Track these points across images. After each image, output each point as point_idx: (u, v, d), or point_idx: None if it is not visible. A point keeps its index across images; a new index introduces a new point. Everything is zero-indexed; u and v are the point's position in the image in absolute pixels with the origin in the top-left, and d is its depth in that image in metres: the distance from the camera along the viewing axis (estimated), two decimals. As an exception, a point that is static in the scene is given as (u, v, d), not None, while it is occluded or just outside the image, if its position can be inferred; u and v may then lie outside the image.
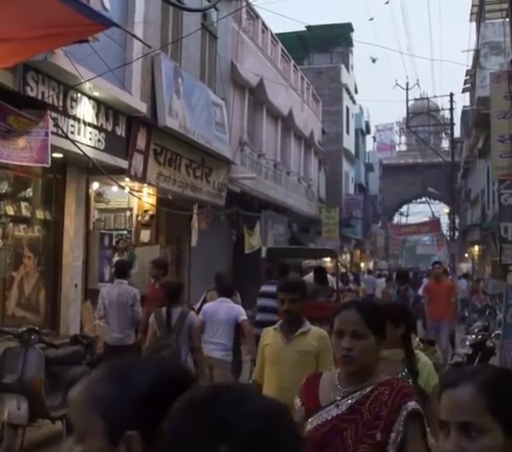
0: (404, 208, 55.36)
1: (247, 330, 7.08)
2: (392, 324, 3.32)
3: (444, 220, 45.44)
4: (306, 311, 8.74)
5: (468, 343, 8.70)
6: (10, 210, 8.65)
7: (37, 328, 6.71)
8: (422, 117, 40.99)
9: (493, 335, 9.04)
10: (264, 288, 8.71)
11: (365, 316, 2.35)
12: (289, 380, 3.64)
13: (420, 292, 13.94)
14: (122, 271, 7.97)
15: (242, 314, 7.06)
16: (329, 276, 12.66)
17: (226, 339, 6.93)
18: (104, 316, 7.75)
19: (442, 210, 48.80)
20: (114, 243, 11.09)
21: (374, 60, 28.17)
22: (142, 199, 11.48)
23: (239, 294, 8.72)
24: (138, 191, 11.43)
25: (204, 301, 8.20)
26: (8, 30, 5.10)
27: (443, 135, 51.17)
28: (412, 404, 2.26)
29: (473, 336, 8.83)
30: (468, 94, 31.73)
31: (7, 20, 4.87)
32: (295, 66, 24.02)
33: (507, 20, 13.05)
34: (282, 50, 22.02)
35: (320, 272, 12.16)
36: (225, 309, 6.98)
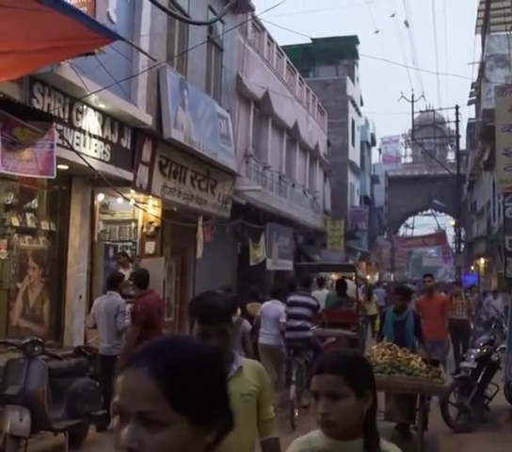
0: (409, 220, 55.32)
1: (282, 328, 9.14)
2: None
3: (450, 233, 45.30)
4: (330, 317, 9.97)
5: (473, 356, 8.64)
6: (16, 221, 8.68)
7: (40, 339, 6.71)
8: (427, 129, 41.06)
9: (498, 349, 8.99)
10: (293, 298, 9.54)
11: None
12: (244, 439, 2.58)
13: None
14: (113, 283, 8.25)
15: (282, 316, 9.13)
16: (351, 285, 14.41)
17: (276, 330, 9.13)
18: (95, 326, 8.08)
19: (448, 222, 48.69)
20: (116, 256, 11.11)
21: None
22: (147, 210, 11.50)
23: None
24: (143, 203, 11.45)
25: (244, 311, 9.43)
26: (14, 43, 5.14)
27: (449, 147, 51.24)
28: None
29: (478, 350, 8.77)
30: (473, 106, 31.77)
31: (13, 33, 4.91)
32: (300, 78, 24.11)
33: (512, 33, 13.09)
34: (288, 62, 22.11)
35: (342, 285, 13.56)
36: (273, 309, 9.29)
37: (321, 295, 13.16)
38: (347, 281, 14.35)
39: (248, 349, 8.62)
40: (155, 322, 7.49)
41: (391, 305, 9.09)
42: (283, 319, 9.06)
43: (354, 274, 15.53)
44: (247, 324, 8.75)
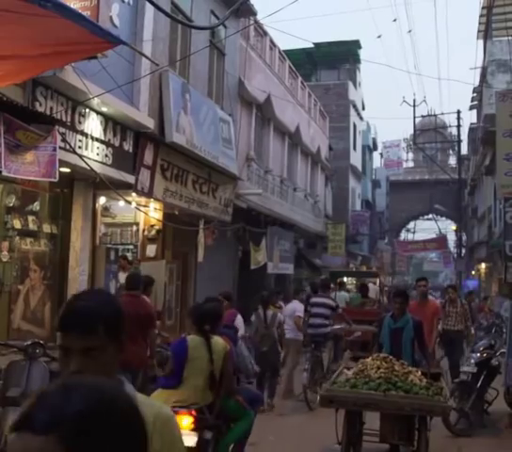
0: (411, 225, 55.34)
1: (297, 324, 10.45)
2: None
3: (451, 237, 45.38)
4: (355, 315, 10.79)
5: (473, 361, 8.65)
6: (17, 224, 8.70)
7: (42, 341, 6.72)
8: (429, 133, 41.10)
9: (498, 354, 9.00)
10: (315, 300, 11.22)
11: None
12: None
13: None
14: (135, 284, 7.97)
15: (298, 311, 10.62)
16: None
17: (292, 325, 10.40)
18: None
19: (449, 227, 48.77)
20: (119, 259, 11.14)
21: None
22: (149, 214, 11.53)
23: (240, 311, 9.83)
24: (145, 206, 11.48)
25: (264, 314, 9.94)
26: (19, 47, 5.18)
27: (450, 151, 51.28)
28: None
29: (478, 354, 8.78)
30: (475, 111, 31.83)
31: (16, 37, 4.95)
32: (302, 82, 24.16)
33: (514, 38, 13.13)
34: (290, 67, 22.17)
35: (364, 288, 16.42)
36: (290, 307, 10.97)
37: (340, 296, 15.33)
38: (370, 284, 17.37)
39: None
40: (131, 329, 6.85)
41: (390, 311, 8.81)
42: (299, 313, 10.59)
43: (378, 279, 18.49)
44: (280, 316, 10.02)
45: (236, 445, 5.55)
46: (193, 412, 5.04)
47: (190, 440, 4.87)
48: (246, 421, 5.62)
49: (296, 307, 10.86)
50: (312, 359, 10.15)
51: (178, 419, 3.35)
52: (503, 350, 8.95)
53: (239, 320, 8.82)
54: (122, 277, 10.74)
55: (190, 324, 5.78)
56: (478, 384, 8.39)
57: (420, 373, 6.03)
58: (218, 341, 5.38)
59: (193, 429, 5.02)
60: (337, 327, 11.26)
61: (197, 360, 5.22)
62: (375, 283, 18.42)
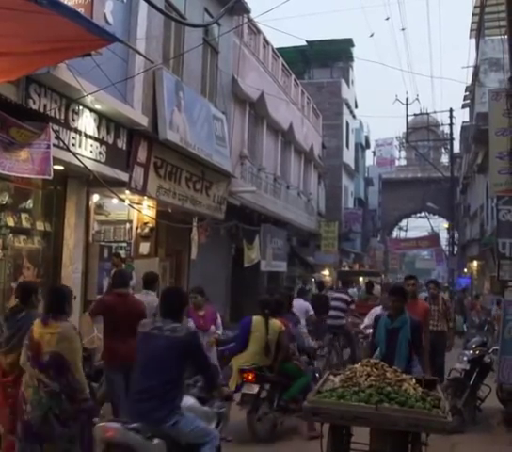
0: (403, 223, 55.43)
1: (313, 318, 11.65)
2: None
3: (443, 235, 45.49)
4: (359, 308, 11.84)
5: (465, 358, 8.70)
6: (11, 221, 8.68)
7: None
8: (421, 132, 41.15)
9: (491, 351, 9.04)
10: (335, 294, 13.49)
11: None
12: None
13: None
14: (150, 282, 8.15)
15: (310, 310, 11.44)
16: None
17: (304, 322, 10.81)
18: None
19: (442, 225, 48.85)
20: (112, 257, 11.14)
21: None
22: (142, 211, 11.52)
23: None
24: (138, 204, 11.47)
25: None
26: (11, 44, 5.15)
27: (443, 150, 51.31)
28: None
29: (471, 351, 8.83)
30: (467, 110, 31.92)
31: (10, 34, 4.92)
32: (295, 80, 24.17)
33: (506, 37, 13.15)
34: (283, 64, 22.18)
35: (369, 285, 18.14)
36: (303, 305, 11.34)
37: (350, 292, 16.13)
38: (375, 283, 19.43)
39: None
40: (117, 324, 6.57)
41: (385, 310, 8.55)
42: (311, 312, 11.48)
43: (379, 278, 23.11)
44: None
45: (298, 397, 7.28)
46: (254, 370, 6.96)
47: (253, 388, 7.11)
48: (303, 380, 7.62)
49: (308, 306, 11.52)
50: (329, 347, 11.89)
51: (245, 374, 6.90)
52: (495, 347, 9.00)
53: (219, 320, 8.56)
54: (117, 274, 10.75)
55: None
56: (471, 381, 8.43)
57: (414, 380, 5.41)
58: (275, 322, 7.53)
59: (255, 382, 7.15)
60: (350, 320, 12.91)
61: (257, 332, 7.43)
62: (376, 282, 20.94)
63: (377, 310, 9.65)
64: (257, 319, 7.51)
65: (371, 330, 9.02)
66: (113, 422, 4.43)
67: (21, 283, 6.14)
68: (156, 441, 4.17)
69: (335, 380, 5.48)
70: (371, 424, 4.97)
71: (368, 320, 10.20)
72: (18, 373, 5.15)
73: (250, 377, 7.12)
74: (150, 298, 7.77)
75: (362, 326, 10.96)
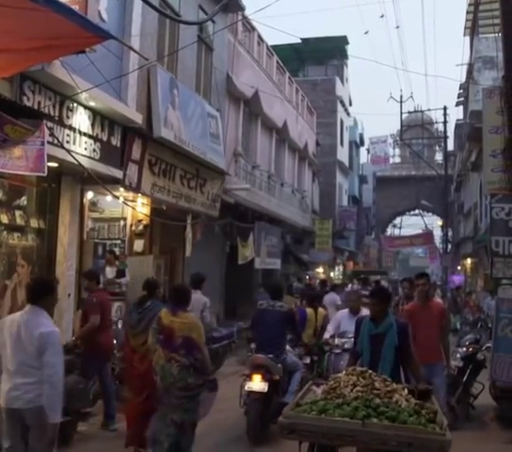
0: (397, 220, 55.55)
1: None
2: None
3: (437, 233, 45.60)
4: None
5: (459, 355, 8.74)
6: (4, 218, 8.66)
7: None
8: (415, 130, 41.25)
9: (484, 348, 9.08)
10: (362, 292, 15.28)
11: None
12: None
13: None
14: (198, 282, 9.69)
15: (337, 300, 13.93)
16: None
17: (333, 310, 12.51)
18: None
19: (435, 222, 48.99)
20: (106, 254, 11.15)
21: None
22: (136, 209, 11.51)
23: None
24: (132, 201, 11.46)
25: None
26: (6, 41, 5.15)
27: (437, 147, 51.47)
28: None
29: (464, 349, 8.87)
30: (461, 108, 31.96)
31: (5, 31, 4.92)
32: (290, 78, 24.17)
33: (500, 35, 13.17)
34: (278, 62, 22.17)
35: (377, 283, 19.29)
36: (329, 297, 13.82)
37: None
38: (382, 281, 21.53)
39: None
40: (106, 316, 7.98)
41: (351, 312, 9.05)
42: (339, 302, 13.67)
43: (386, 276, 25.84)
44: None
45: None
46: (263, 371, 7.65)
47: (307, 359, 9.32)
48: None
49: (335, 297, 14.19)
50: None
51: (254, 374, 7.60)
52: (488, 345, 9.04)
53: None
54: (109, 272, 10.76)
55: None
56: (464, 378, 8.48)
57: (406, 391, 4.79)
58: (321, 310, 10.33)
59: (306, 354, 9.35)
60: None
61: (310, 321, 9.93)
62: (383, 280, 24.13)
63: (344, 313, 9.25)
64: (309, 310, 10.15)
65: (342, 340, 8.94)
66: (260, 354, 7.73)
67: (148, 280, 7.42)
68: (279, 365, 7.70)
69: (317, 391, 4.93)
70: (357, 443, 4.29)
71: (332, 327, 9.28)
72: (144, 351, 6.34)
73: (260, 376, 7.55)
74: (197, 296, 8.97)
75: (327, 335, 9.21)
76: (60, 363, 4.65)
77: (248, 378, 7.64)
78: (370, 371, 4.94)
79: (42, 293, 4.89)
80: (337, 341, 8.99)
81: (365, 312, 7.80)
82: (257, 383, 7.49)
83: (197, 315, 8.09)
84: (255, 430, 7.30)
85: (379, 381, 4.76)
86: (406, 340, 5.78)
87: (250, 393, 7.52)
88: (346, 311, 9.26)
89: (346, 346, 8.47)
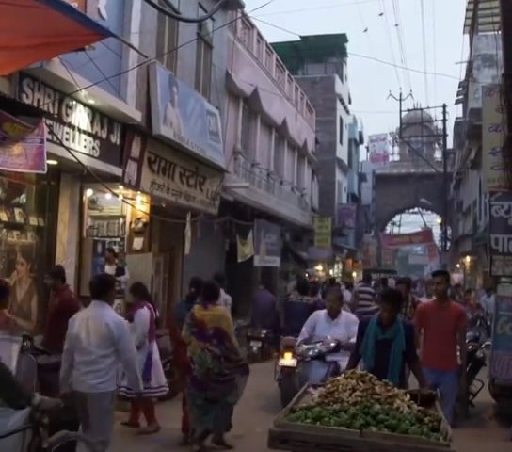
0: (396, 218, 55.56)
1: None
2: None
3: (436, 231, 45.63)
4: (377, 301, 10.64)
5: (458, 353, 8.74)
6: (4, 216, 8.65)
7: (29, 334, 6.71)
8: (415, 127, 41.27)
9: (483, 346, 9.10)
10: (361, 288, 16.88)
11: None
12: None
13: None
14: (219, 280, 9.58)
15: (347, 297, 14.09)
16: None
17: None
18: None
19: (435, 220, 49.03)
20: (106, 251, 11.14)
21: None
22: (135, 206, 11.50)
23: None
24: (132, 199, 11.45)
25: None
26: (5, 39, 5.14)
27: (436, 145, 51.52)
28: None
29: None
30: (461, 106, 31.97)
31: (4, 29, 4.91)
32: (289, 76, 24.15)
33: (500, 32, 13.16)
34: (277, 60, 22.14)
35: (385, 281, 19.94)
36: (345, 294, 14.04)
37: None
38: (390, 279, 21.61)
39: None
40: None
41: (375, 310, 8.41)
42: (347, 299, 14.21)
43: (395, 274, 28.01)
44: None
45: None
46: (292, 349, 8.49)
47: (292, 362, 8.92)
48: None
49: (346, 294, 14.73)
50: None
51: (285, 351, 8.99)
52: (487, 343, 9.06)
53: (141, 315, 8.06)
54: (109, 270, 10.75)
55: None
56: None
57: (409, 396, 4.51)
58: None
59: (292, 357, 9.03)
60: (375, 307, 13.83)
61: None
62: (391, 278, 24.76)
63: (321, 315, 7.79)
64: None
65: (307, 347, 7.72)
66: (290, 337, 8.90)
67: (195, 279, 8.35)
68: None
69: (314, 394, 4.64)
70: None
71: (306, 330, 7.87)
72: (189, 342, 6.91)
73: (290, 354, 8.83)
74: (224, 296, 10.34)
75: (300, 338, 7.98)
76: (134, 348, 5.68)
77: (281, 356, 9.08)
78: (370, 375, 4.70)
79: (104, 289, 5.62)
80: (303, 348, 7.70)
81: (345, 314, 7.67)
82: (288, 360, 8.89)
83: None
84: (288, 397, 7.56)
85: (380, 386, 4.53)
86: (412, 342, 5.60)
87: (283, 367, 8.95)
88: (323, 312, 7.75)
89: (311, 353, 7.48)
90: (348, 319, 7.53)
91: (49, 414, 3.97)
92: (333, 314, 7.56)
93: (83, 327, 5.45)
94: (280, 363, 9.06)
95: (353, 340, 6.39)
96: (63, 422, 4.48)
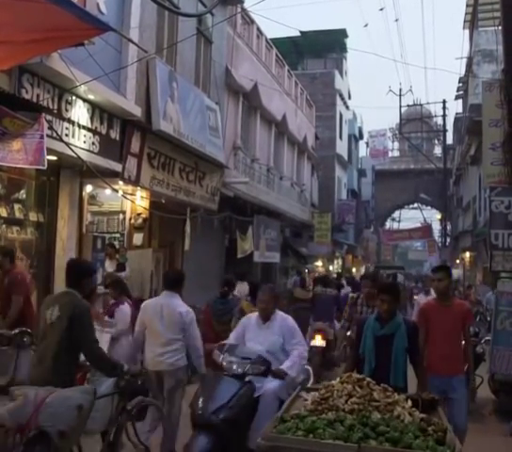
0: (396, 214, 55.56)
1: None
2: None
3: (436, 226, 45.67)
4: None
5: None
6: (3, 212, 8.65)
7: (29, 330, 6.71)
8: (415, 123, 41.22)
9: (483, 341, 9.10)
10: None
11: None
12: None
13: (413, 316, 11.05)
14: (242, 275, 12.32)
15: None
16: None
17: None
18: None
19: (434, 216, 49.00)
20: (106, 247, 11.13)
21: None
22: (135, 202, 11.50)
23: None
24: (132, 194, 11.44)
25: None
26: (4, 33, 5.12)
27: (436, 141, 51.45)
28: None
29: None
30: (461, 101, 31.93)
31: (3, 23, 4.89)
32: (289, 71, 24.10)
33: (500, 28, 13.14)
34: (277, 55, 22.10)
35: (394, 276, 21.79)
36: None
37: None
38: (398, 274, 23.71)
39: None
40: (29, 295, 7.84)
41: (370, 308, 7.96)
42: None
43: (403, 271, 30.50)
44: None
45: None
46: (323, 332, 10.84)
47: (322, 343, 10.76)
48: None
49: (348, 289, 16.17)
50: None
51: (315, 334, 10.94)
52: (487, 338, 9.06)
53: (122, 311, 7.72)
54: (109, 265, 10.74)
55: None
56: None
57: (410, 402, 4.07)
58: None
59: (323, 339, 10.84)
60: None
61: None
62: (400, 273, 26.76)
63: (252, 318, 6.09)
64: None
65: (229, 359, 5.54)
66: (319, 322, 10.90)
67: (228, 278, 9.47)
68: (331, 330, 11.01)
69: (307, 400, 4.19)
70: None
71: (234, 336, 6.08)
72: (224, 335, 6.87)
73: (320, 336, 10.72)
74: (243, 286, 11.38)
75: (226, 343, 5.89)
76: (199, 335, 6.34)
77: (312, 337, 10.62)
78: (368, 379, 4.22)
79: (178, 281, 6.44)
80: (228, 359, 5.41)
81: (280, 317, 5.88)
82: (319, 341, 10.65)
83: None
84: (318, 374, 8.95)
85: (378, 391, 4.06)
86: (415, 342, 5.19)
87: (313, 347, 10.22)
88: (255, 316, 6.05)
89: (234, 370, 5.26)
90: (284, 323, 5.86)
91: (130, 383, 4.96)
92: (264, 317, 5.88)
93: (157, 313, 6.16)
94: (311, 344, 10.26)
95: (288, 365, 5.42)
96: (138, 390, 5.18)
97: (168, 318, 6.11)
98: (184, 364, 6.20)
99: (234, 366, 5.29)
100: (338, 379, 4.27)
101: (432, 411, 4.15)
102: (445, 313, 6.10)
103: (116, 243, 11.32)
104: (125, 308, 7.76)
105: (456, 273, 32.60)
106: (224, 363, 5.38)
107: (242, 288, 11.47)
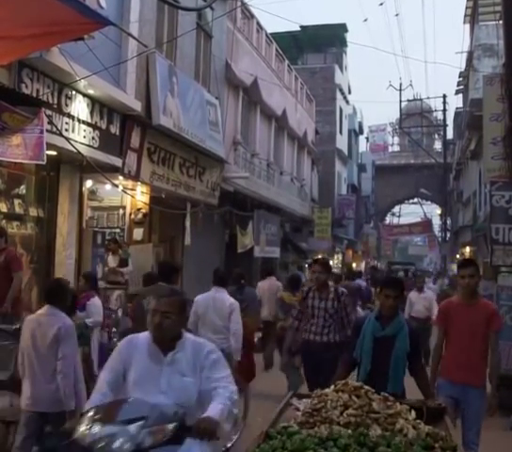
0: (396, 209, 55.50)
1: None
2: None
3: (436, 221, 45.67)
4: None
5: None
6: (3, 207, 8.64)
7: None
8: (415, 118, 41.16)
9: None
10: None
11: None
12: None
13: (433, 317, 10.12)
14: (269, 271, 12.94)
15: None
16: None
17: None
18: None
19: (434, 211, 49.03)
20: (106, 243, 11.11)
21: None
22: (135, 197, 11.49)
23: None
24: (132, 189, 11.43)
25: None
26: (4, 28, 5.10)
27: (436, 136, 51.42)
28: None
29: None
30: (461, 96, 31.86)
31: (3, 18, 4.87)
32: (289, 66, 24.05)
33: (501, 22, 13.09)
34: (277, 50, 22.05)
35: (406, 272, 23.21)
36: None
37: None
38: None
39: None
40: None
41: (369, 306, 9.19)
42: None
43: (414, 266, 32.02)
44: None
45: None
46: None
47: None
48: None
49: (362, 283, 16.80)
50: None
51: None
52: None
53: (93, 304, 7.94)
54: (111, 260, 10.73)
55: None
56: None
57: (413, 412, 3.55)
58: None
59: None
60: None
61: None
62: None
63: (137, 344, 4.64)
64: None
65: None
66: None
67: (239, 272, 10.17)
68: None
69: (298, 409, 3.70)
70: None
71: (107, 380, 3.43)
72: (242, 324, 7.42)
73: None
74: (272, 281, 12.12)
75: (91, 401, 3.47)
76: (240, 321, 7.17)
77: None
78: (366, 387, 3.70)
79: (226, 279, 7.70)
80: (91, 434, 3.00)
81: (193, 341, 3.45)
82: None
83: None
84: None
85: (378, 401, 3.56)
86: (417, 348, 4.80)
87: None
88: (145, 340, 3.65)
89: (117, 445, 2.84)
90: (198, 351, 3.41)
91: None
92: (164, 345, 3.38)
93: (209, 305, 7.20)
94: None
95: (218, 409, 3.11)
96: None
97: (220, 310, 7.15)
98: (230, 350, 6.87)
99: (116, 443, 2.77)
100: (332, 388, 3.77)
101: (439, 421, 3.68)
102: (468, 313, 5.37)
103: (117, 238, 11.30)
104: (97, 301, 8.09)
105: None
106: (90, 440, 2.80)
107: (263, 284, 12.13)
